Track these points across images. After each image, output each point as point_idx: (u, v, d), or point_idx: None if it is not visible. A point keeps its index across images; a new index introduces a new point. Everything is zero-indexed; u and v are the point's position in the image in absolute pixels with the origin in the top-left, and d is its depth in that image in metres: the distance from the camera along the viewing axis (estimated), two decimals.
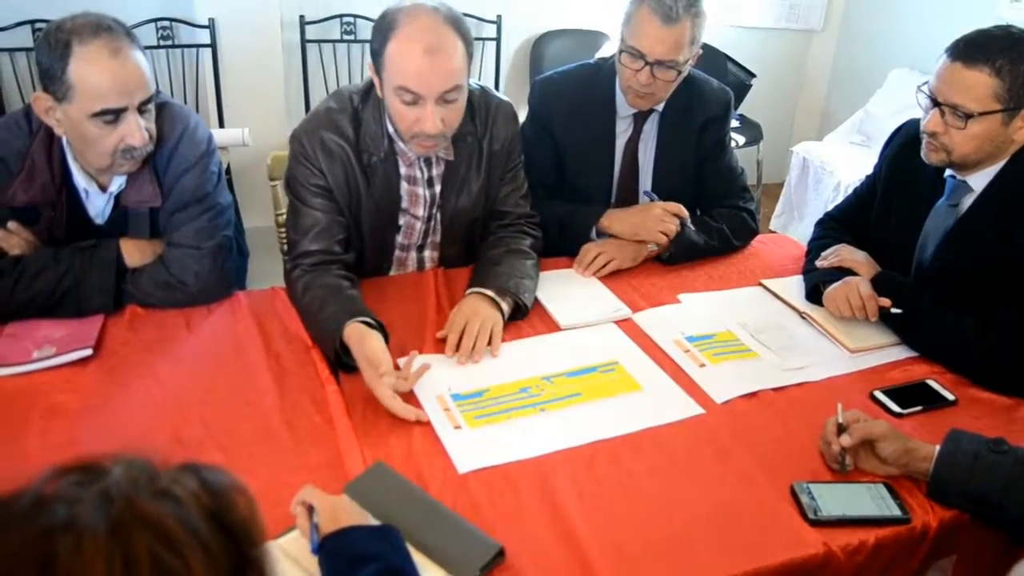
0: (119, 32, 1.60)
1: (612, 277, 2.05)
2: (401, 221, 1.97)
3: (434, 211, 1.98)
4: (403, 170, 1.90)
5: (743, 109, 4.34)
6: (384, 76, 1.71)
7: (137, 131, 1.63)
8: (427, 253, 2.06)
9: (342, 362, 1.63)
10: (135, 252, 1.77)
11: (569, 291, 1.98)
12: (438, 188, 1.95)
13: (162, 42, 3.65)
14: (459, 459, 1.43)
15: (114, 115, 1.60)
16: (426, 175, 1.92)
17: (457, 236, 2.03)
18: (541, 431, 1.51)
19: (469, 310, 1.76)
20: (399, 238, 2.00)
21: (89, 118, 1.59)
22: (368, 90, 1.86)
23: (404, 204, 1.94)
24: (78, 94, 1.57)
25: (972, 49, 1.62)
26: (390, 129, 1.85)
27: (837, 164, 3.98)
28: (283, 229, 2.40)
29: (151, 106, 1.67)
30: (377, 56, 1.71)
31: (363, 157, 1.85)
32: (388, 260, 2.04)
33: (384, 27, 1.69)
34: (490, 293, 1.80)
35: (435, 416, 1.52)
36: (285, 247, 2.41)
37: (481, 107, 1.92)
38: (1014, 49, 1.60)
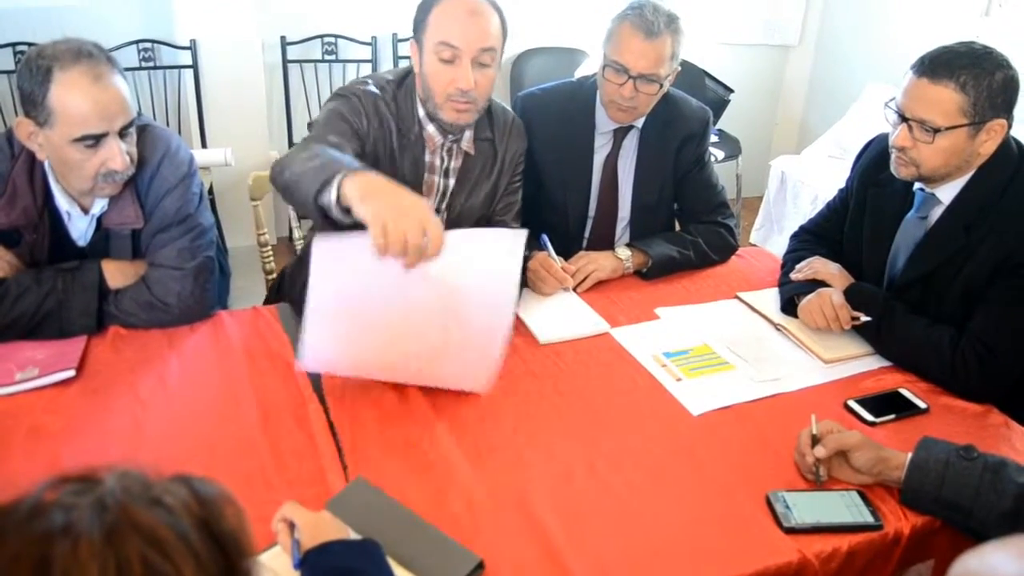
0: (100, 58, 1.62)
1: (591, 291, 2.08)
2: None
3: (443, 205, 2.02)
4: (427, 157, 1.97)
5: (722, 124, 4.39)
6: (425, 40, 1.83)
7: (118, 155, 1.64)
8: None
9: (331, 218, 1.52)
10: (117, 274, 1.78)
11: (548, 306, 2.00)
12: (452, 181, 2.01)
13: (144, 64, 3.67)
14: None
15: (95, 140, 1.62)
16: (444, 164, 2.00)
17: None
18: None
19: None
20: None
21: (70, 143, 1.61)
22: (402, 79, 1.96)
23: (421, 191, 1.99)
24: (59, 119, 1.59)
25: (937, 65, 1.67)
26: (420, 112, 1.93)
27: (815, 177, 4.04)
28: (265, 248, 2.42)
29: (132, 130, 1.69)
30: (420, 26, 1.85)
31: (399, 137, 1.93)
32: None
33: (428, 2, 1.84)
34: None
35: None
36: (268, 266, 2.43)
37: (499, 116, 2.05)
38: (977, 65, 1.64)
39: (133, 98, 1.69)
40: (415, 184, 1.96)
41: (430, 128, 1.94)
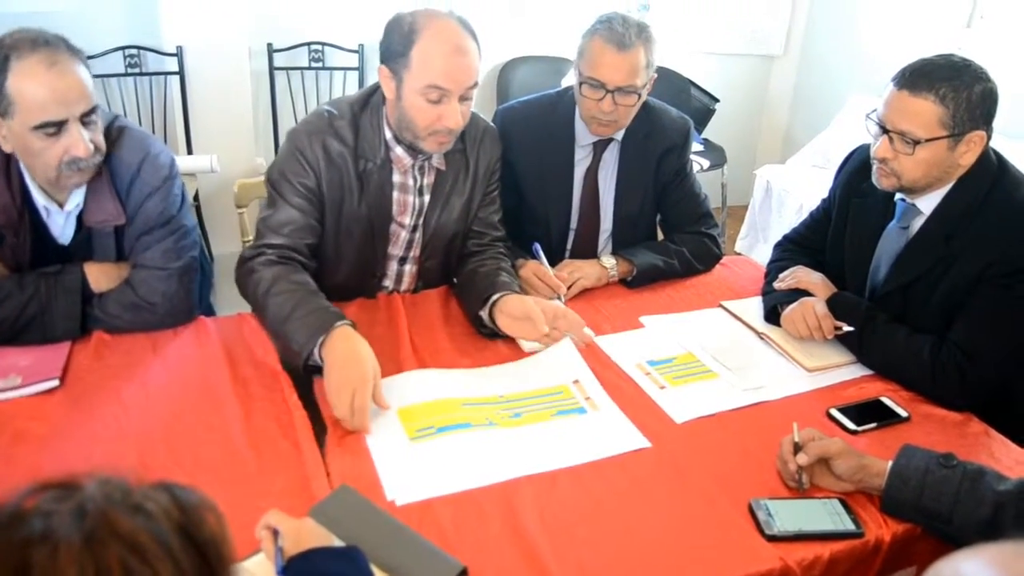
0: (58, 46, 1.61)
1: (576, 300, 2.09)
2: (389, 229, 2.01)
3: (419, 222, 2.02)
4: (396, 178, 1.95)
5: (707, 133, 4.41)
6: (407, 76, 1.77)
7: (80, 142, 1.63)
8: (407, 267, 2.09)
9: (307, 366, 1.66)
10: (100, 277, 1.78)
11: None
12: (427, 198, 2.00)
13: (130, 70, 3.65)
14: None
15: (56, 127, 1.60)
16: (418, 183, 1.98)
17: (437, 250, 2.07)
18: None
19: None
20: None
21: (31, 131, 1.60)
22: (366, 99, 1.92)
23: (393, 212, 1.98)
24: (18, 108, 1.58)
25: (917, 78, 1.69)
26: (387, 135, 1.90)
27: (799, 187, 4.06)
28: None
29: (94, 116, 1.67)
30: (398, 57, 1.77)
31: (359, 164, 1.89)
32: (381, 271, 2.06)
33: (406, 30, 1.77)
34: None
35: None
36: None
37: (470, 126, 1.99)
38: (956, 77, 1.66)
39: (98, 90, 1.66)
40: (382, 210, 1.95)
41: (398, 150, 1.91)
